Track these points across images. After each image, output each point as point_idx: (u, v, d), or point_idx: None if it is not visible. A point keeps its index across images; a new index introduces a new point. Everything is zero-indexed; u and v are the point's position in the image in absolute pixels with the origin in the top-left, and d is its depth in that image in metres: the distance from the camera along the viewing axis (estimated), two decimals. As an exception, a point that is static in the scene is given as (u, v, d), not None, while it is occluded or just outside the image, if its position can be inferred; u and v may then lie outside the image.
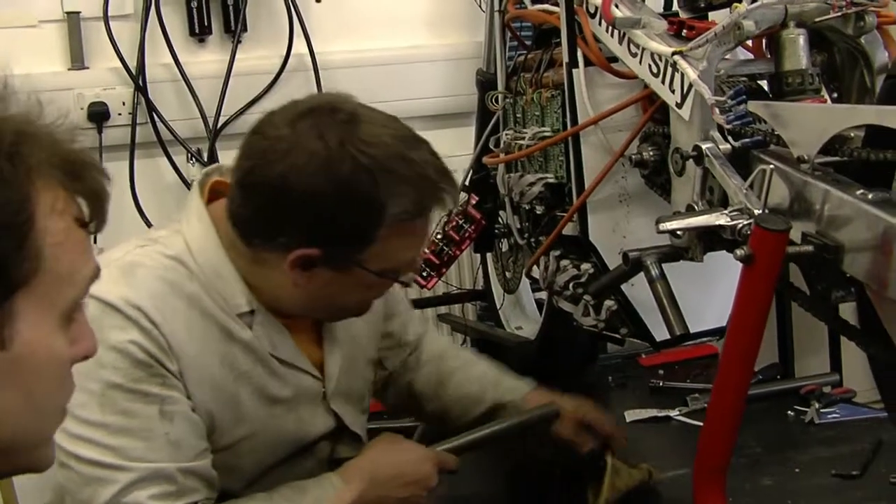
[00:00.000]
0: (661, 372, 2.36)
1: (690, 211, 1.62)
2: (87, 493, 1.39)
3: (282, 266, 1.42)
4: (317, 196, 1.36)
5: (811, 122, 1.44)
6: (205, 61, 2.67)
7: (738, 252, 1.38)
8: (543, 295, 2.47)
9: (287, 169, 1.36)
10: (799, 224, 1.46)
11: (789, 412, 2.06)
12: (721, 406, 1.46)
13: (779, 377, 2.26)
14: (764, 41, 1.71)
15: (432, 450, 1.59)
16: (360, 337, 1.68)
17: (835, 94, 1.70)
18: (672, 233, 1.49)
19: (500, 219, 2.36)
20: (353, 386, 1.65)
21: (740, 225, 1.47)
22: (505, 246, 2.41)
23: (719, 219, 1.48)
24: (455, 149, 2.76)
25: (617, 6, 1.74)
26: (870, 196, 1.35)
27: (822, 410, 2.04)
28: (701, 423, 1.98)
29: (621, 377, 2.37)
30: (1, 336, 0.84)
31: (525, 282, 2.49)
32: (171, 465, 1.40)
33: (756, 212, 1.46)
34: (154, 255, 1.47)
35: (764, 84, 1.72)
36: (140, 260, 1.46)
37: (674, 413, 2.12)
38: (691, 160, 1.60)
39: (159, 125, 2.61)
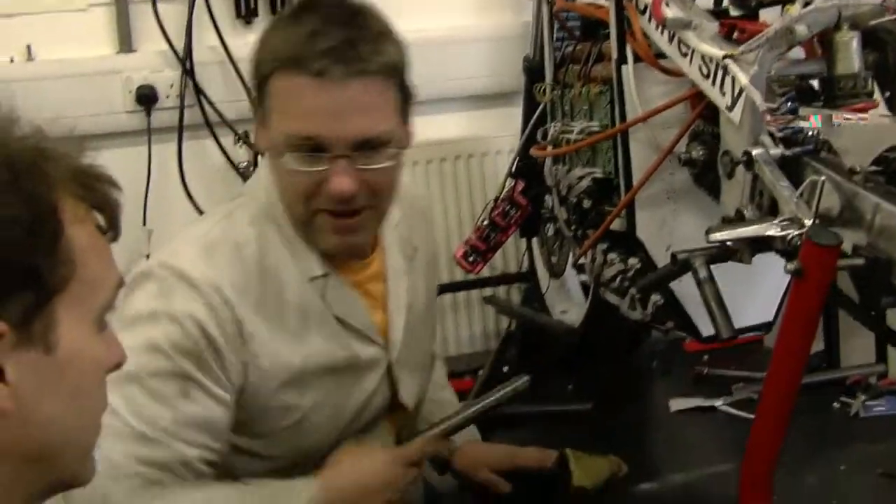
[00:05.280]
0: (705, 357, 2.36)
1: (739, 216, 1.62)
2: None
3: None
4: None
5: (864, 133, 1.44)
6: (252, 43, 2.66)
7: (789, 266, 1.39)
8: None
9: None
10: (849, 233, 1.45)
11: (835, 404, 2.07)
12: (768, 416, 1.47)
13: (824, 365, 2.26)
14: (816, 39, 1.69)
15: (391, 451, 1.59)
16: (422, 304, 1.70)
17: (887, 94, 1.69)
18: (722, 243, 1.49)
19: (545, 203, 2.37)
20: (415, 356, 1.68)
21: (791, 235, 1.46)
22: (551, 230, 2.41)
23: (770, 229, 1.48)
24: (499, 130, 2.78)
25: (668, 4, 1.73)
26: (922, 210, 1.34)
27: (867, 403, 2.05)
28: (746, 414, 2.01)
29: (665, 363, 2.38)
30: (46, 341, 0.88)
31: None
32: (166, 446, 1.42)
33: (807, 222, 1.45)
34: (235, 228, 1.52)
35: (815, 83, 1.71)
36: (222, 237, 1.52)
37: (718, 403, 2.13)
38: (741, 165, 1.60)
39: (206, 107, 2.62)
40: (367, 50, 1.45)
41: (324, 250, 1.53)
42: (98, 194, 0.94)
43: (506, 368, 2.38)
